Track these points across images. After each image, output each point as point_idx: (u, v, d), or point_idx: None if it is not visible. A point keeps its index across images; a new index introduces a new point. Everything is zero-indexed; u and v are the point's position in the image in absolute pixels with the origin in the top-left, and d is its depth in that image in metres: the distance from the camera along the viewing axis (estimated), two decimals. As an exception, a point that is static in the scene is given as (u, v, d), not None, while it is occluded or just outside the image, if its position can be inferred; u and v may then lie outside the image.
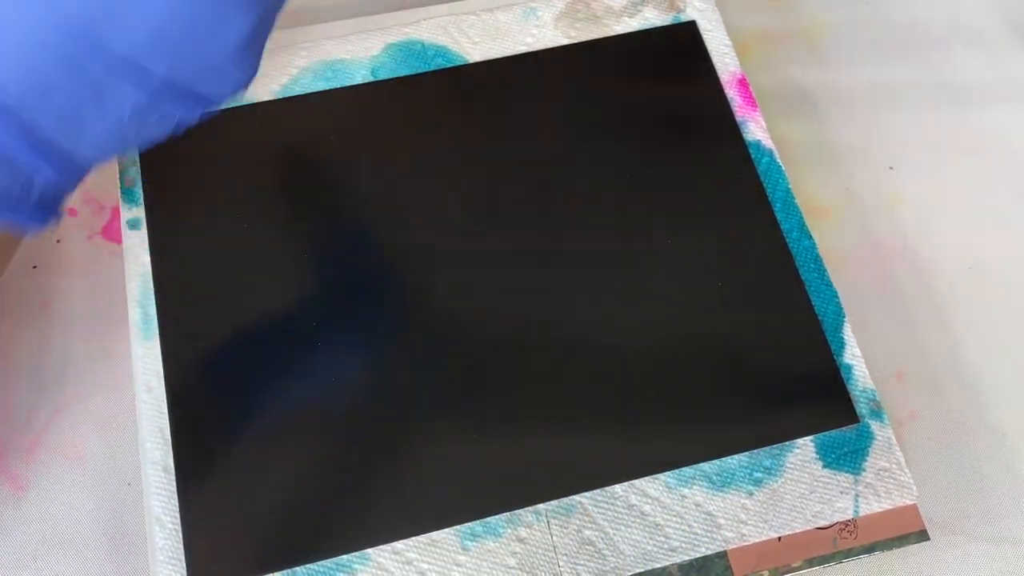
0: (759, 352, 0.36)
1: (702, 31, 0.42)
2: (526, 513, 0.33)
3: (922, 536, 0.34)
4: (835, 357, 0.36)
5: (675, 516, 0.33)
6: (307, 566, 0.32)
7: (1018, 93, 0.45)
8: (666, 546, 0.33)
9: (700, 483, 0.34)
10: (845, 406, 0.35)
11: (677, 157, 0.39)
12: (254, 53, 0.28)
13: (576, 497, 0.33)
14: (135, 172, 0.38)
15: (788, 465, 0.34)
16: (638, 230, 0.38)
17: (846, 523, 0.34)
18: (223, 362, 0.35)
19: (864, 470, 0.34)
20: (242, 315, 0.35)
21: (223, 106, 0.28)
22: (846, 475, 0.34)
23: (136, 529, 0.35)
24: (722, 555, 0.33)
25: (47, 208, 0.28)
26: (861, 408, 0.35)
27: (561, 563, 0.33)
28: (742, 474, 0.34)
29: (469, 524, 0.33)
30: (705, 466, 0.34)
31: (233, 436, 0.34)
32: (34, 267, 0.39)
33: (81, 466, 0.35)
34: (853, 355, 0.36)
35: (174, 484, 0.33)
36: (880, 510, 0.34)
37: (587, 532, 0.33)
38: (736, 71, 0.41)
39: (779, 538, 0.34)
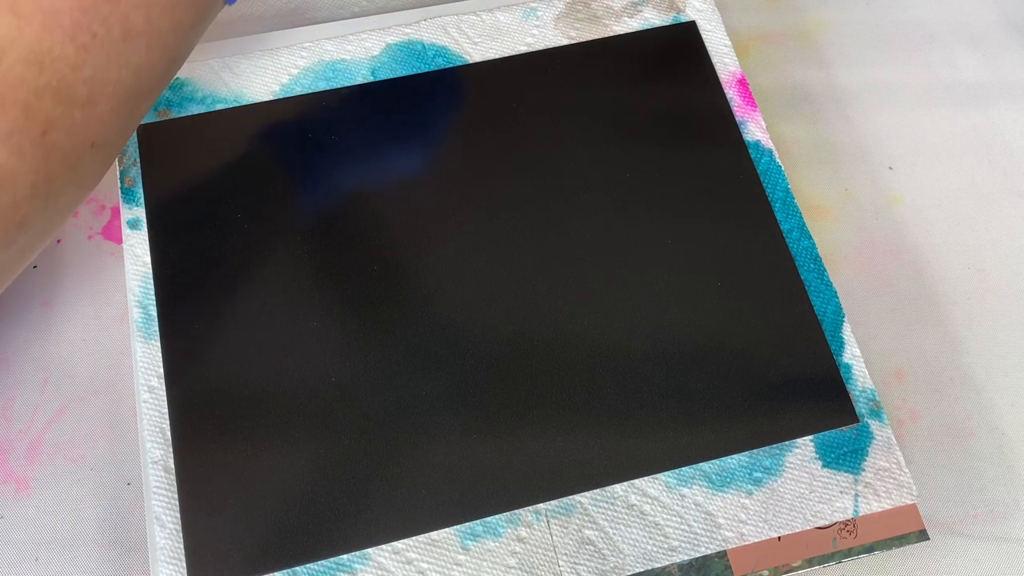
0: (759, 352, 0.36)
1: (702, 31, 0.42)
2: (526, 513, 0.33)
3: (922, 536, 0.34)
4: (835, 357, 0.36)
5: (675, 516, 0.33)
6: (307, 566, 0.32)
7: (1018, 93, 0.45)
8: (666, 546, 0.33)
9: (700, 483, 0.34)
10: (845, 406, 0.35)
11: (677, 157, 0.39)
12: None
13: (576, 497, 0.34)
14: (135, 172, 0.38)
15: (788, 465, 0.34)
16: (638, 230, 0.38)
17: (846, 523, 0.34)
18: (223, 362, 0.35)
19: (864, 470, 0.34)
20: (242, 315, 0.36)
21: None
22: (846, 475, 0.34)
23: (136, 529, 0.35)
24: (722, 555, 0.33)
25: None
26: (861, 408, 0.35)
27: (561, 563, 0.33)
28: (742, 474, 0.34)
29: (469, 524, 0.33)
30: (705, 466, 0.34)
31: (233, 436, 0.34)
32: (34, 267, 0.39)
33: (82, 466, 0.35)
34: (853, 355, 0.36)
35: (174, 484, 0.33)
36: (880, 510, 0.34)
37: (587, 532, 0.33)
38: (736, 71, 0.41)
39: (779, 538, 0.34)
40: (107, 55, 0.28)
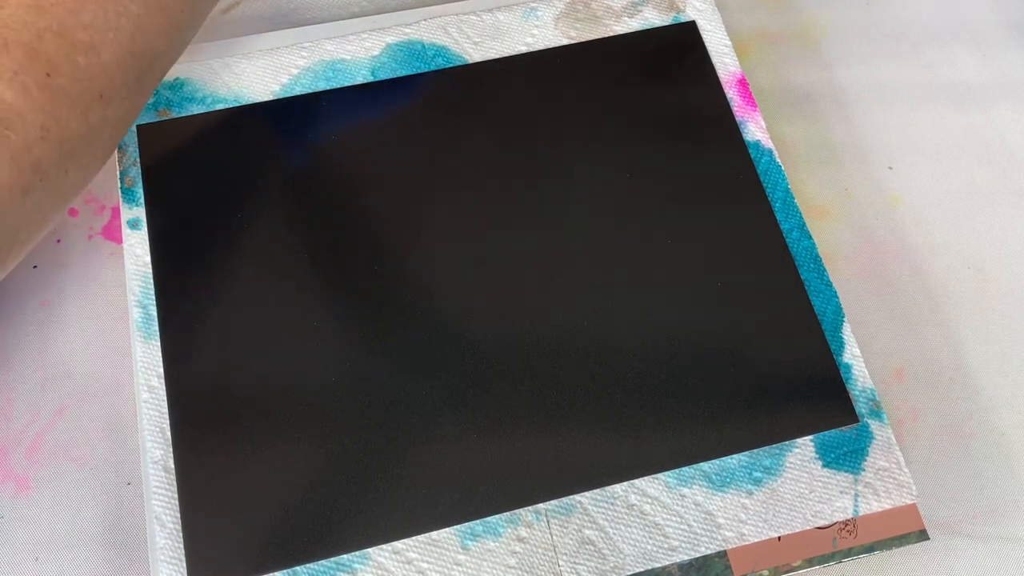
0: (759, 352, 0.36)
1: (702, 31, 0.42)
2: (526, 513, 0.33)
3: (922, 536, 0.34)
4: (835, 357, 0.36)
5: (675, 516, 0.33)
6: (307, 566, 0.32)
7: (1018, 93, 0.45)
8: (666, 546, 0.33)
9: (700, 483, 0.34)
10: (845, 406, 0.35)
11: (677, 157, 0.39)
12: None
13: (576, 497, 0.34)
14: (135, 172, 0.38)
15: (788, 465, 0.34)
16: (638, 230, 0.38)
17: (846, 523, 0.34)
18: (223, 362, 0.35)
19: (864, 470, 0.34)
20: (242, 314, 0.36)
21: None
22: (846, 475, 0.34)
23: (136, 529, 0.35)
24: (722, 555, 0.33)
25: None
26: (861, 408, 0.35)
27: (561, 563, 0.33)
28: (742, 474, 0.34)
29: (469, 524, 0.33)
30: (705, 466, 0.34)
31: (233, 436, 0.34)
32: (34, 267, 0.39)
33: (82, 466, 0.35)
34: (853, 355, 0.36)
35: (174, 484, 0.33)
36: (880, 510, 0.34)
37: (587, 532, 0.33)
38: (736, 71, 0.41)
39: (779, 538, 0.34)
40: (103, 2, 0.30)
